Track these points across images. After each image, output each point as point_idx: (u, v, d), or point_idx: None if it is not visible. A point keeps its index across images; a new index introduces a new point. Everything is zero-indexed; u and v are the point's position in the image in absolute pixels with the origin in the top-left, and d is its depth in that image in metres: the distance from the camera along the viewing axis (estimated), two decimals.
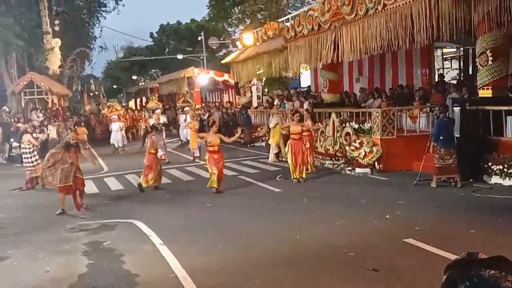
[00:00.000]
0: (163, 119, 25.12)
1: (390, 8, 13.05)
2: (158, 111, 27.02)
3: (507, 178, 11.10)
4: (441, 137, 11.37)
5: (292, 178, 13.43)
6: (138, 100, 53.60)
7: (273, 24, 24.56)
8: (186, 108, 27.67)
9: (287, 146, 13.74)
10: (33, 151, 14.66)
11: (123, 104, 55.18)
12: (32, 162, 14.66)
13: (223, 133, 15.44)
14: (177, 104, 33.78)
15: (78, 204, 11.17)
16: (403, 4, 12.59)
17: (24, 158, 14.92)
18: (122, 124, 25.24)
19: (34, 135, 17.12)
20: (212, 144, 12.38)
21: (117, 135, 24.27)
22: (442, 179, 11.59)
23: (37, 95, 29.83)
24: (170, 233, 8.97)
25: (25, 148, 14.76)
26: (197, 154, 19.05)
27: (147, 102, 42.91)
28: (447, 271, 1.72)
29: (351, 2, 14.59)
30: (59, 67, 33.02)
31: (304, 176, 13.43)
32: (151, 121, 24.64)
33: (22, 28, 32.45)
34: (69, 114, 33.03)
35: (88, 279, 6.85)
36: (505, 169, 11.11)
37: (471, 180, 11.50)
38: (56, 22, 32.86)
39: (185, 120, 25.41)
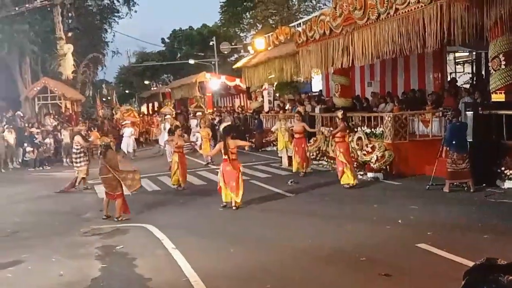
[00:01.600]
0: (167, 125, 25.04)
1: (402, 13, 13.00)
2: (168, 116, 27.07)
3: None
4: (454, 142, 11.32)
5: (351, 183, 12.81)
6: (150, 105, 53.84)
7: (284, 29, 24.58)
8: (198, 113, 27.67)
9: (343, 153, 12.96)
10: (80, 152, 15.03)
11: (135, 109, 55.47)
12: (79, 162, 15.09)
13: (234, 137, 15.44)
14: (189, 109, 33.79)
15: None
16: (415, 8, 12.54)
17: (73, 158, 15.58)
18: (133, 130, 25.25)
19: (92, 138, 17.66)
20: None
21: (128, 141, 24.25)
22: (455, 183, 11.52)
23: (50, 100, 30.04)
24: (182, 237, 9.01)
25: (74, 148, 15.39)
26: (209, 159, 19.14)
27: (159, 107, 43.07)
28: (466, 276, 1.73)
29: (362, 7, 14.57)
30: (72, 73, 33.27)
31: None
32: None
33: (36, 34, 32.78)
34: (81, 119, 33.25)
35: (101, 283, 6.91)
36: None
37: (484, 184, 11.41)
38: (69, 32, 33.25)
39: (196, 125, 25.47)
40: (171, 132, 16.11)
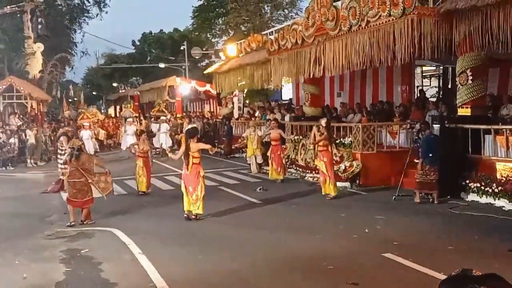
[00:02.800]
0: (132, 128, 24.80)
1: (373, 25, 13.22)
2: (130, 119, 26.72)
3: (484, 196, 11.27)
4: (430, 154, 11.46)
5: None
6: (118, 107, 53.21)
7: (256, 37, 24.70)
8: (162, 117, 27.47)
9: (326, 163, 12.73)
10: (65, 154, 14.75)
11: (102, 111, 54.74)
12: (62, 164, 14.75)
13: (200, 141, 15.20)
14: (151, 113, 33.27)
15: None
16: (386, 21, 12.77)
17: (58, 160, 15.53)
18: (92, 133, 24.72)
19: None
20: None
21: (87, 144, 23.67)
22: (421, 194, 11.71)
23: (16, 100, 29.41)
24: (149, 242, 8.91)
25: (59, 149, 15.32)
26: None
27: (120, 109, 42.58)
28: (442, 286, 1.75)
29: (335, 18, 14.75)
30: (39, 72, 32.66)
31: None
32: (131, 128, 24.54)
33: (3, 32, 32.10)
34: (47, 119, 32.63)
35: (66, 287, 6.78)
36: (482, 187, 11.28)
37: (449, 196, 11.66)
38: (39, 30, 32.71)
39: (159, 130, 25.38)
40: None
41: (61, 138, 15.20)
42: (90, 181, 10.70)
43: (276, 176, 15.63)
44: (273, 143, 15.95)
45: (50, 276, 7.22)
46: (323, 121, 13.08)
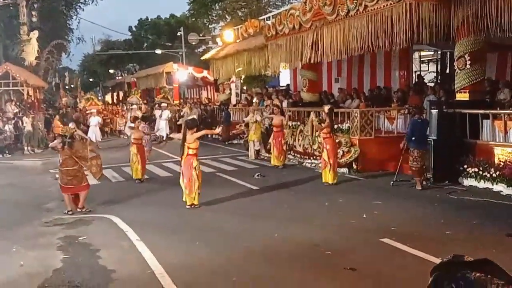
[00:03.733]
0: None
1: (371, 10, 13.12)
2: (134, 106, 26.73)
3: (481, 181, 11.26)
4: (413, 138, 11.48)
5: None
6: (115, 94, 53.06)
7: (253, 22, 24.54)
8: (163, 104, 27.55)
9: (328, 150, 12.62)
10: None
11: (99, 98, 54.60)
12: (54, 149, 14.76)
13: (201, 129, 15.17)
14: (155, 99, 33.49)
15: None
16: (384, 6, 12.66)
17: None
18: (100, 119, 24.76)
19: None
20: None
21: (95, 130, 23.72)
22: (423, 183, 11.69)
23: (12, 87, 29.25)
24: (147, 229, 8.90)
25: None
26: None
27: (124, 97, 42.54)
28: (434, 272, 1.73)
29: (332, 2, 14.62)
30: (35, 59, 32.45)
31: None
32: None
33: None
34: (44, 106, 32.50)
35: (64, 274, 6.76)
36: (480, 172, 11.27)
37: (446, 181, 11.66)
38: (34, 18, 32.48)
39: (160, 116, 25.46)
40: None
41: (71, 125, 15.09)
42: (84, 168, 10.63)
43: (277, 162, 15.62)
44: (275, 129, 15.90)
45: (47, 263, 7.21)
46: (326, 108, 13.05)
